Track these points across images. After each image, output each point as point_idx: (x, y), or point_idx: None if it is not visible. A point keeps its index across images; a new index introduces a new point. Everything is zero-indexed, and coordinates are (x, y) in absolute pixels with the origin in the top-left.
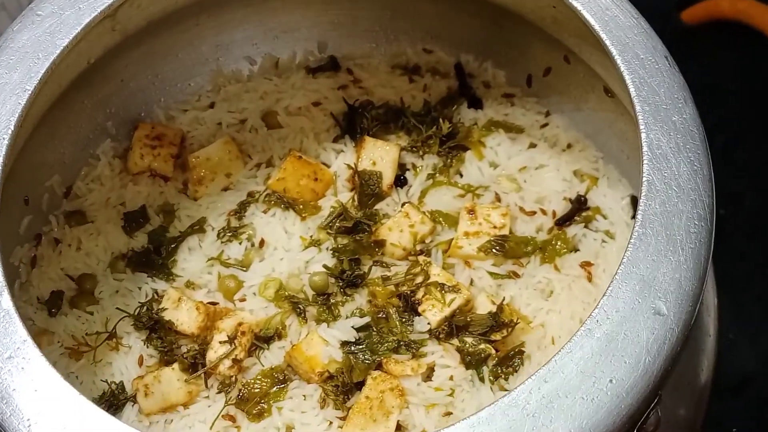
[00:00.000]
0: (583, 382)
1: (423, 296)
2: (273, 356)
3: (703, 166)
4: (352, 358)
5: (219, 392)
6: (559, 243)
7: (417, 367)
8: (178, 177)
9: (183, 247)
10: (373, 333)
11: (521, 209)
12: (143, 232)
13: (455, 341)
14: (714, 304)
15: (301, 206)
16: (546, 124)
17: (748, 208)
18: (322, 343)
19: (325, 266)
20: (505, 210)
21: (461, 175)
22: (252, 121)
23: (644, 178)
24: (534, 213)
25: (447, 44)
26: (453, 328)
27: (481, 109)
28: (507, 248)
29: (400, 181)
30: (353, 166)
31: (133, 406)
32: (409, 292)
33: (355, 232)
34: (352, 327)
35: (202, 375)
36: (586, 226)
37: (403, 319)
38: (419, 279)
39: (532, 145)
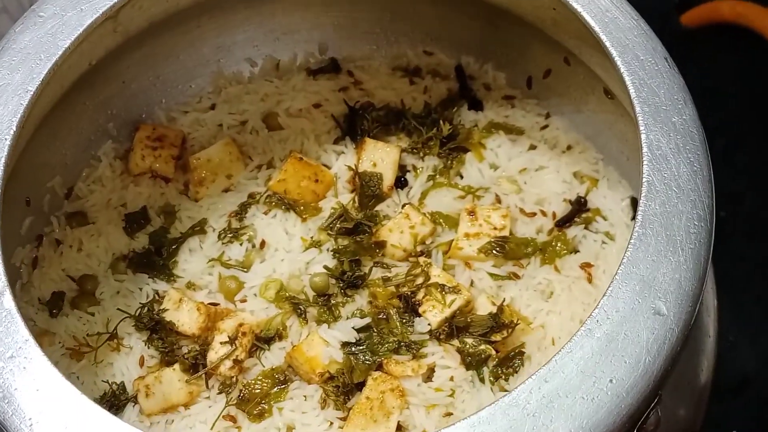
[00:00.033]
0: (584, 382)
1: (423, 297)
2: (274, 357)
3: (703, 167)
4: (352, 358)
5: (220, 393)
6: (559, 244)
7: (417, 367)
8: (179, 178)
9: (184, 248)
10: (374, 334)
11: (521, 211)
12: (144, 233)
13: (456, 342)
14: (714, 304)
15: (302, 207)
16: (546, 126)
17: (748, 209)
18: (323, 344)
19: (325, 267)
20: (505, 211)
21: (461, 177)
22: (253, 122)
23: (644, 179)
24: (534, 214)
25: (447, 46)
26: (453, 328)
27: (482, 111)
28: (507, 249)
29: (400, 183)
30: (354, 167)
31: (134, 406)
32: (409, 293)
33: (356, 234)
34: (353, 328)
35: (203, 375)
36: (586, 228)
37: (404, 320)
38: (420, 280)
39: (533, 147)
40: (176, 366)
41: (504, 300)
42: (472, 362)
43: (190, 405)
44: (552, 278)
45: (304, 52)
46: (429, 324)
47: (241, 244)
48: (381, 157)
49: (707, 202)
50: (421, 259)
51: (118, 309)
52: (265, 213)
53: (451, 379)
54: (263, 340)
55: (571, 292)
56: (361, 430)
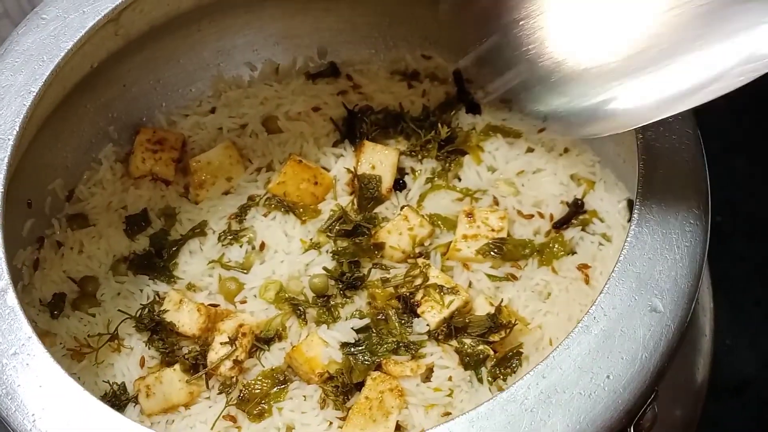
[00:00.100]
0: (581, 378)
1: (422, 298)
2: (273, 357)
3: (698, 166)
4: (351, 359)
5: (220, 393)
6: (556, 246)
7: (416, 367)
8: (180, 181)
9: (184, 250)
10: (373, 334)
11: (519, 212)
12: (145, 235)
13: (454, 342)
14: (710, 304)
15: (301, 210)
16: (543, 129)
17: (746, 211)
18: (322, 345)
19: (325, 268)
20: (503, 213)
21: (460, 179)
22: (252, 126)
23: (640, 177)
24: (531, 216)
25: (445, 50)
26: (452, 329)
27: (479, 114)
28: (505, 251)
29: (399, 185)
30: (353, 170)
31: (134, 406)
32: (408, 294)
33: (355, 235)
34: (352, 328)
35: (203, 376)
36: (583, 229)
37: (403, 321)
38: (418, 281)
39: (530, 150)
40: (177, 366)
41: (502, 301)
42: (471, 362)
43: (191, 405)
44: (549, 279)
45: (303, 57)
46: (427, 324)
47: (241, 246)
48: (380, 159)
49: (702, 200)
50: (420, 261)
51: (119, 310)
52: (265, 215)
53: (450, 379)
54: (263, 340)
55: (569, 293)
56: (360, 429)
